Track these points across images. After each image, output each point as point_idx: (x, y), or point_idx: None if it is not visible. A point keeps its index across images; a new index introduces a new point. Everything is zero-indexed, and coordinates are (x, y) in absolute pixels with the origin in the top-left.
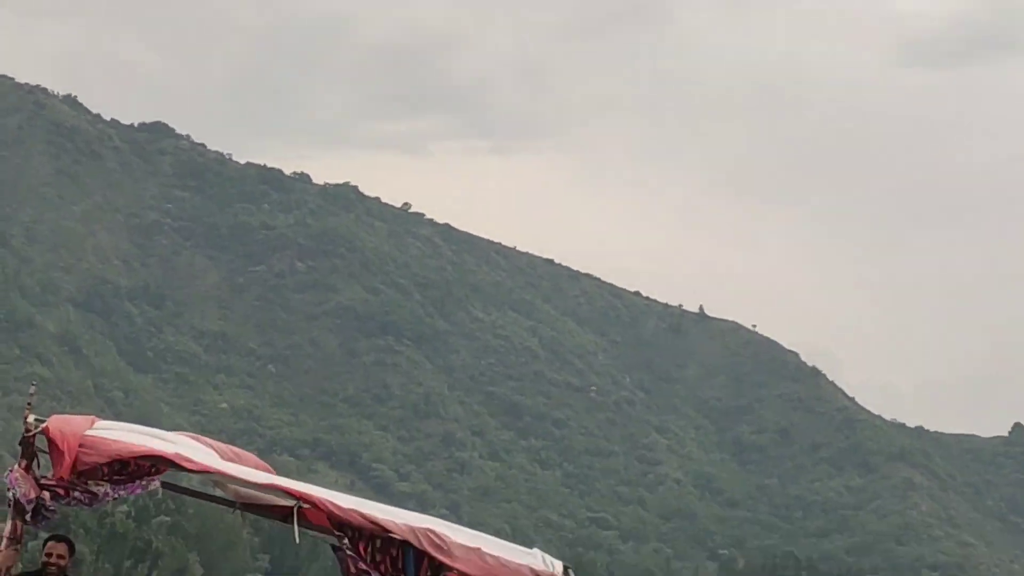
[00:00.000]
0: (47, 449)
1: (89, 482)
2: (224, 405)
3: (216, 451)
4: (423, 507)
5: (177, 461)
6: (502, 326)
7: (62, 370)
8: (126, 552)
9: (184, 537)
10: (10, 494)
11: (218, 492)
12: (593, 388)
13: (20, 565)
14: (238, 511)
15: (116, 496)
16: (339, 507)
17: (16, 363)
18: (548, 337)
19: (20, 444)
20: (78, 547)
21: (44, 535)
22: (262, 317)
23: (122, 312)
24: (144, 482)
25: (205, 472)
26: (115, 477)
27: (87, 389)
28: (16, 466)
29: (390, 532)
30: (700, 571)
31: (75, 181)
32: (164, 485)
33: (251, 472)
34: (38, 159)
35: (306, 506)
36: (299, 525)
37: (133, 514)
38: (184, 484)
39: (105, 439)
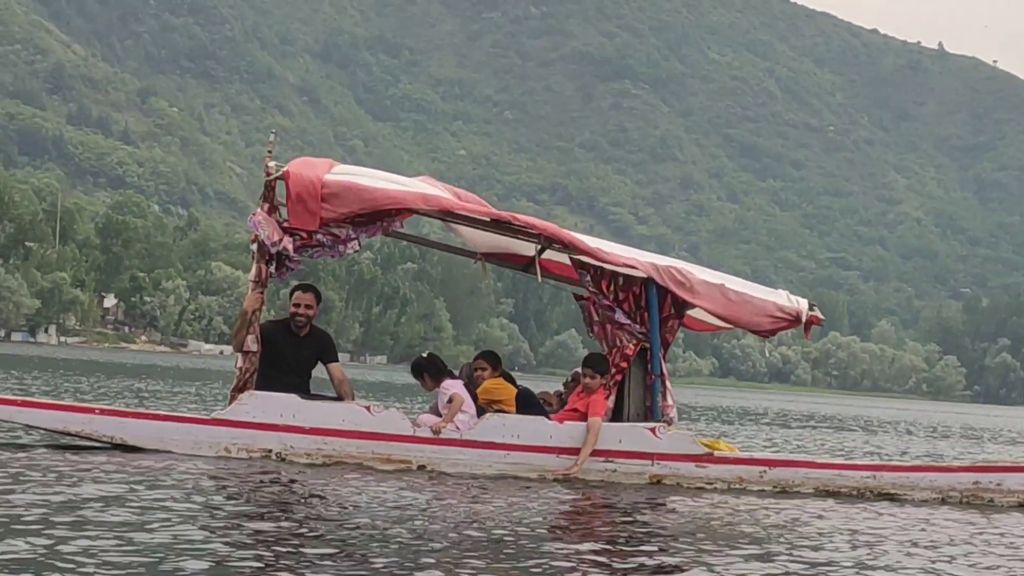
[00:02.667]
0: (286, 198)
1: (330, 225)
2: (462, 152)
3: (452, 196)
4: (662, 249)
5: (421, 205)
6: (738, 67)
7: (302, 120)
8: (374, 298)
9: (430, 283)
10: (253, 245)
11: (459, 242)
12: (831, 128)
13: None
14: (480, 261)
15: (359, 239)
16: (581, 241)
17: (258, 114)
18: (785, 77)
19: (263, 188)
20: (327, 294)
21: (293, 283)
22: (498, 63)
23: (360, 62)
24: (385, 223)
25: (450, 211)
26: (356, 218)
27: (327, 138)
28: (259, 209)
29: (632, 268)
30: (942, 309)
31: None
32: (405, 236)
33: (494, 212)
34: None
35: (547, 247)
36: (541, 273)
37: (379, 261)
38: (426, 232)
39: (345, 190)
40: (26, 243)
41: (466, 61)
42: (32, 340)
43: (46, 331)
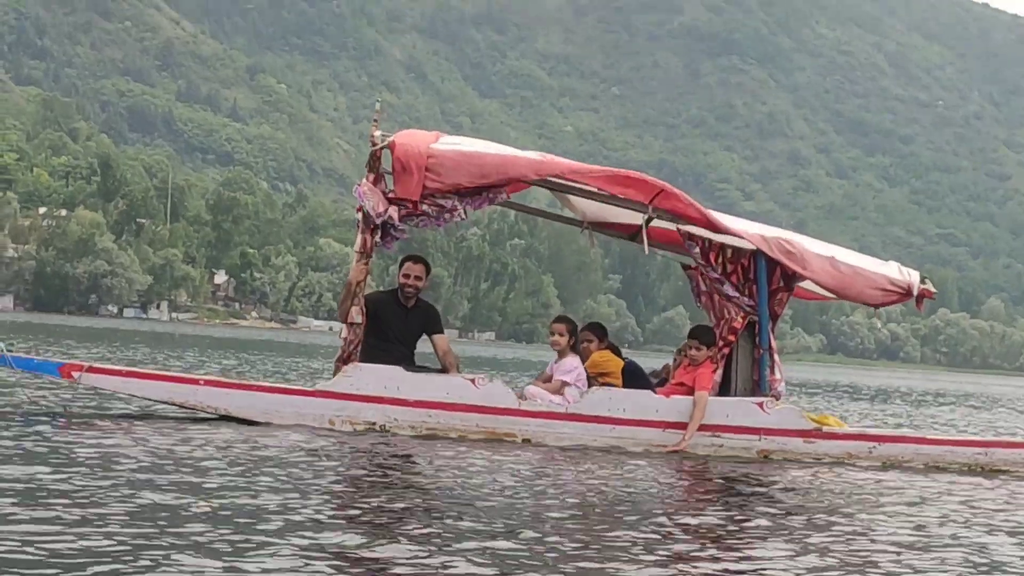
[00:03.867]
0: (391, 169)
1: (436, 195)
2: (569, 128)
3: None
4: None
5: (531, 175)
6: (847, 42)
7: (409, 96)
8: (483, 274)
9: (538, 259)
10: (359, 215)
11: (566, 212)
12: (940, 102)
13: (372, 284)
14: (587, 231)
15: (464, 209)
16: (693, 205)
17: (365, 90)
18: (894, 52)
19: (369, 158)
20: (436, 270)
21: (400, 256)
22: (605, 39)
23: (466, 37)
24: (491, 194)
25: (561, 174)
26: (461, 189)
27: (434, 115)
28: (364, 179)
29: (741, 238)
30: None
31: None
32: (512, 206)
33: (607, 172)
34: None
35: (657, 217)
36: (648, 243)
37: (488, 237)
38: (531, 202)
39: (451, 160)
40: (138, 220)
41: (573, 36)
42: (144, 316)
43: (158, 307)
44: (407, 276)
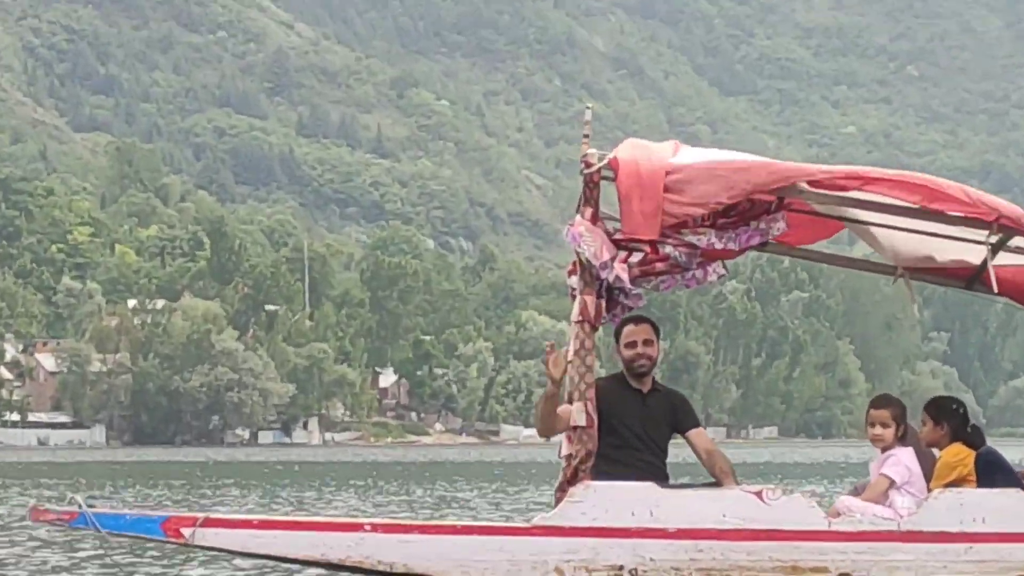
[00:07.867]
0: (616, 198)
1: (683, 231)
2: (850, 128)
3: None
4: None
5: (809, 181)
6: None
7: (620, 101)
8: (753, 345)
9: (828, 318)
10: (571, 279)
11: (872, 254)
12: None
13: (598, 366)
14: (902, 277)
15: (724, 247)
16: None
17: (558, 99)
18: None
19: (582, 187)
20: (687, 344)
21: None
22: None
23: (695, 14)
24: (764, 225)
25: (828, 185)
26: (719, 221)
27: (657, 124)
28: (579, 216)
29: None
30: None
31: None
32: (793, 252)
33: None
34: None
35: (1007, 240)
36: (987, 288)
37: (753, 292)
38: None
39: (702, 172)
40: (267, 307)
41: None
42: (287, 440)
43: (304, 427)
44: (631, 345)
